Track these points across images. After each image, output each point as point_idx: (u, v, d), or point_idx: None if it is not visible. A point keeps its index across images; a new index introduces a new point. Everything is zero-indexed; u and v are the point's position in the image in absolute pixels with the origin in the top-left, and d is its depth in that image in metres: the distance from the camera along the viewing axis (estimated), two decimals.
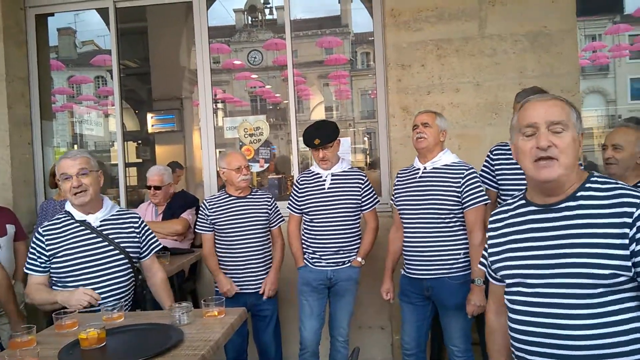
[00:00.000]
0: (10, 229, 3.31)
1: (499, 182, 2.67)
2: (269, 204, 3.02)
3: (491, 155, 2.72)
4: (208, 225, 3.00)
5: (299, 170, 3.91)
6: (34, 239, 2.22)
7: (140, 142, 11.61)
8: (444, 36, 3.42)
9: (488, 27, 3.39)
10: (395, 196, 2.71)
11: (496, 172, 2.67)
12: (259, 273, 2.97)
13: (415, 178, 2.62)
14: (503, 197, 2.65)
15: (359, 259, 2.89)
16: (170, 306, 1.98)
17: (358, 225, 2.93)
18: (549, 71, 3.30)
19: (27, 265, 2.21)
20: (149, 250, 2.42)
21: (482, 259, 1.61)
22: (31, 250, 2.22)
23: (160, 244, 2.53)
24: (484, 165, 2.74)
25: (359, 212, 2.92)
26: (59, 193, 3.66)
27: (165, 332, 1.74)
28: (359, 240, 2.92)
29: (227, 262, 2.97)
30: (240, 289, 2.94)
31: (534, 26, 3.33)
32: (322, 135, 2.85)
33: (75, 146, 16.70)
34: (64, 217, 2.27)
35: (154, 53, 8.64)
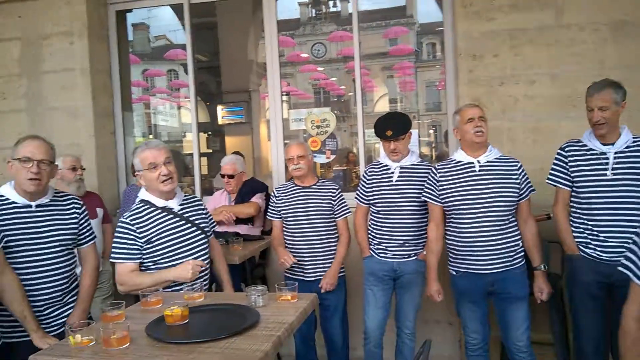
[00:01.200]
0: (100, 212, 3.61)
1: (574, 180, 2.55)
2: (334, 194, 3.06)
3: (563, 153, 2.60)
4: (277, 213, 3.11)
5: (365, 162, 3.93)
6: (123, 229, 2.28)
7: (210, 133, 12.04)
8: (518, 26, 3.31)
9: (565, 16, 3.25)
10: (443, 192, 2.65)
11: (571, 170, 2.56)
12: (323, 261, 3.02)
13: (472, 172, 2.59)
14: (579, 196, 2.54)
15: (425, 253, 2.88)
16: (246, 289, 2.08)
17: (426, 219, 2.91)
18: (633, 63, 3.11)
19: (119, 255, 2.27)
20: (212, 230, 2.58)
21: (630, 254, 1.50)
22: (121, 239, 2.28)
23: (215, 223, 2.68)
24: (556, 164, 2.62)
25: (427, 206, 2.91)
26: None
27: (242, 313, 1.83)
28: (425, 234, 2.90)
29: (293, 249, 3.04)
30: (305, 277, 3.00)
31: (616, 14, 3.15)
32: (394, 126, 2.85)
33: (151, 136, 17.57)
34: (144, 205, 2.35)
35: (223, 47, 8.92)
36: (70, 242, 2.28)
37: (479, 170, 2.58)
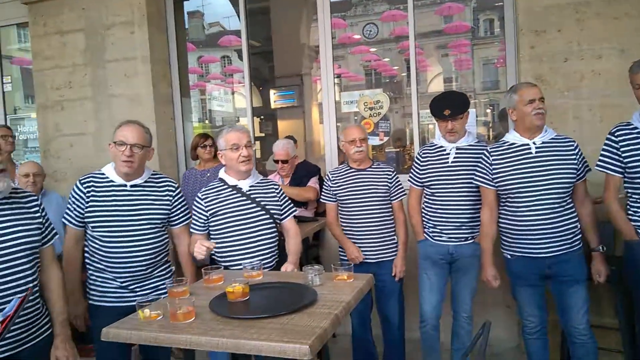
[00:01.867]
0: None
1: (628, 164, 2.37)
2: (390, 176, 3.03)
3: (613, 138, 2.42)
4: (331, 196, 3.13)
5: (419, 143, 3.87)
6: (196, 203, 2.49)
7: (262, 117, 12.22)
8: None
9: None
10: (498, 176, 2.57)
11: (624, 155, 2.38)
12: (379, 243, 3.01)
13: (528, 155, 2.50)
14: (634, 181, 2.39)
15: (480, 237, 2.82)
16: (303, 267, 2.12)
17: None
18: None
19: (192, 226, 2.48)
20: (287, 213, 2.64)
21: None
22: (194, 213, 2.48)
23: (295, 209, 2.73)
24: (606, 149, 2.44)
25: None
26: (199, 163, 4.03)
27: (300, 291, 1.88)
28: None
29: (349, 232, 3.06)
30: (365, 258, 3.00)
31: None
32: (452, 105, 2.78)
33: (207, 121, 18.07)
34: (218, 183, 2.55)
35: (276, 31, 8.98)
36: (159, 222, 2.39)
37: (536, 152, 2.50)
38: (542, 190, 2.45)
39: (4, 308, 1.73)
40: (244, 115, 9.68)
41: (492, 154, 2.61)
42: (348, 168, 3.11)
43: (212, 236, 2.48)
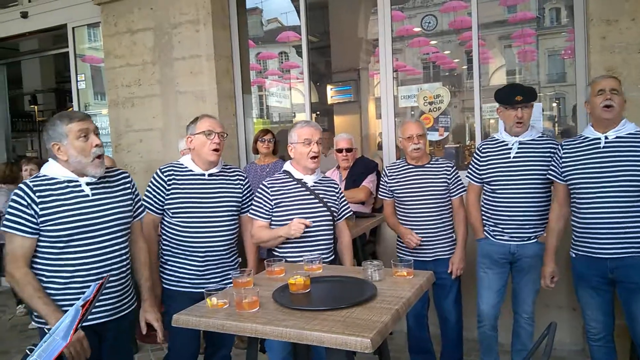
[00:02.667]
0: None
1: None
2: (449, 172, 2.98)
3: None
4: (388, 192, 3.12)
5: (482, 138, 3.78)
6: (260, 191, 2.57)
7: (318, 112, 12.30)
8: None
9: None
10: (565, 170, 2.49)
11: None
12: (436, 240, 2.97)
13: (596, 149, 2.40)
14: None
15: (545, 234, 2.73)
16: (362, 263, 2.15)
17: (548, 198, 2.75)
18: None
19: (255, 213, 2.55)
20: (343, 213, 2.67)
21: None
22: (257, 200, 2.56)
23: (351, 211, 2.76)
24: None
25: (549, 185, 2.74)
26: (259, 157, 4.14)
27: (360, 286, 1.91)
28: (547, 215, 2.74)
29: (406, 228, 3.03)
30: (418, 257, 2.92)
31: None
32: (523, 92, 2.71)
33: (265, 118, 18.38)
34: (283, 175, 2.62)
35: (334, 26, 8.99)
36: (235, 209, 2.55)
37: (604, 147, 2.39)
38: (607, 186, 2.34)
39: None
40: (299, 110, 9.77)
41: (563, 147, 2.54)
42: (405, 164, 3.09)
43: (272, 226, 2.54)
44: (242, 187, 2.60)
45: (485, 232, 2.89)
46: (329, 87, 9.45)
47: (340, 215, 2.66)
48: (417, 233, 2.97)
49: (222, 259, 2.50)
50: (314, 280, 1.95)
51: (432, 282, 2.10)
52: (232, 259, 2.57)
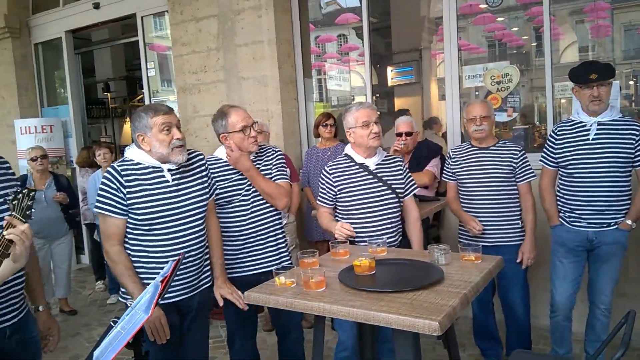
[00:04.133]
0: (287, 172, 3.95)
1: None
2: (516, 156, 2.85)
3: None
4: (451, 175, 3.06)
5: (554, 119, 3.60)
6: (323, 179, 2.60)
7: (378, 95, 12.15)
8: None
9: None
10: None
11: None
12: (499, 226, 2.88)
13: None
14: None
15: (629, 222, 2.57)
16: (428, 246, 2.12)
17: (629, 182, 2.59)
18: None
19: (319, 199, 2.62)
20: (410, 190, 2.64)
21: None
22: (322, 186, 2.60)
23: (416, 186, 2.72)
24: None
25: (631, 168, 2.58)
26: (320, 141, 4.16)
27: (426, 269, 1.89)
28: (628, 200, 2.59)
29: (470, 213, 2.96)
30: (483, 243, 2.81)
31: None
32: (599, 70, 2.55)
33: (325, 102, 18.41)
34: (345, 159, 2.62)
35: (394, 5, 8.82)
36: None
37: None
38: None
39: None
40: (358, 93, 9.69)
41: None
42: (470, 146, 3.01)
43: (338, 211, 2.56)
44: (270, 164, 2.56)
45: (560, 219, 2.77)
46: (389, 68, 9.31)
47: (406, 193, 2.62)
48: (477, 217, 2.90)
49: (269, 242, 2.53)
50: (379, 263, 1.95)
51: (501, 267, 2.04)
52: (274, 241, 2.57)
